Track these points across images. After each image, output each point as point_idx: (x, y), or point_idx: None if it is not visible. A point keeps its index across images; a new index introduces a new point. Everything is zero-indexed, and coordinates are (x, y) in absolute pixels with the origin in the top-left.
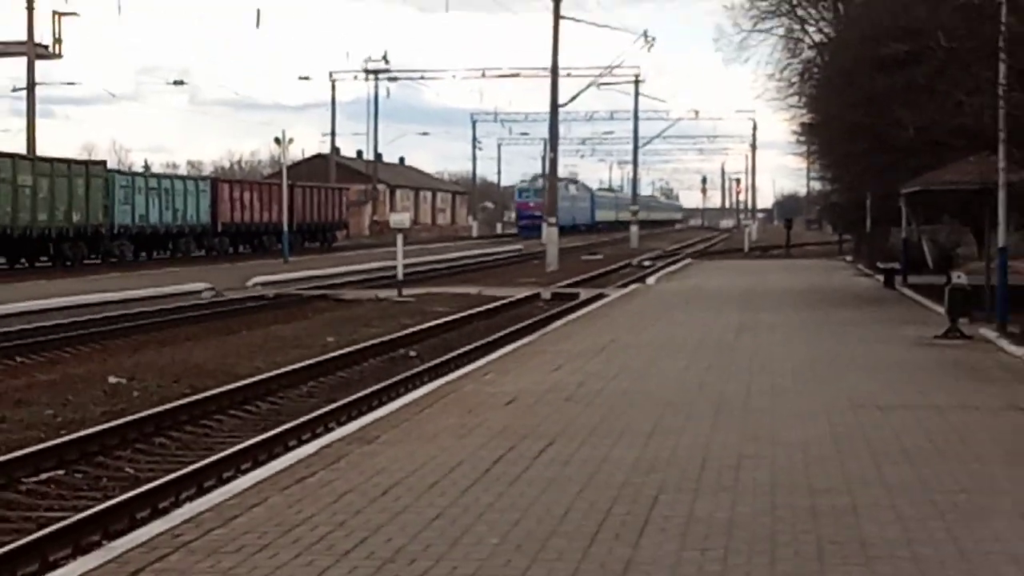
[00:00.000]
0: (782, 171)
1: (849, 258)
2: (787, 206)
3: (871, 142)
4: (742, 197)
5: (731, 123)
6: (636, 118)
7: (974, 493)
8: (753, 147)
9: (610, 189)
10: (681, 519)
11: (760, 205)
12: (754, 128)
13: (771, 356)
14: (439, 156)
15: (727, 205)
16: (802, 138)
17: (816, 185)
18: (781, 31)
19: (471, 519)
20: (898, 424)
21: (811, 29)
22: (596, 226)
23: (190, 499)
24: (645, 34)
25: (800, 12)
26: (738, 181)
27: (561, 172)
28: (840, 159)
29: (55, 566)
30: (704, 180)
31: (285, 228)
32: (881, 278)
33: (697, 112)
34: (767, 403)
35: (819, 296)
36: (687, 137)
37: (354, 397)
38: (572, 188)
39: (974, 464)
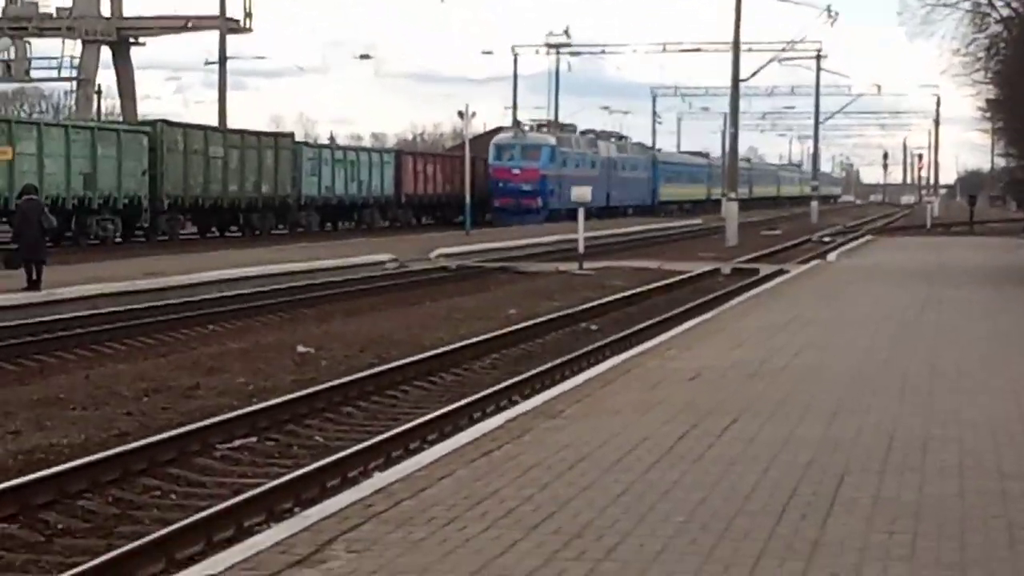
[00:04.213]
0: (965, 147)
1: None
2: (970, 182)
3: None
4: (924, 173)
5: (914, 98)
6: (817, 93)
7: None
8: (936, 122)
9: (700, 153)
10: (868, 500)
11: (942, 181)
12: (938, 103)
13: (955, 334)
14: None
15: (908, 181)
16: (987, 114)
17: (1001, 161)
18: (967, 5)
19: (656, 496)
20: None
21: (999, 3)
22: (659, 207)
23: (379, 469)
24: (828, 8)
25: None
26: (920, 156)
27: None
28: None
29: (250, 532)
30: (885, 155)
31: (468, 200)
32: None
33: (879, 87)
34: (953, 381)
35: (1004, 274)
36: (869, 112)
37: (537, 370)
38: (606, 147)
39: None
